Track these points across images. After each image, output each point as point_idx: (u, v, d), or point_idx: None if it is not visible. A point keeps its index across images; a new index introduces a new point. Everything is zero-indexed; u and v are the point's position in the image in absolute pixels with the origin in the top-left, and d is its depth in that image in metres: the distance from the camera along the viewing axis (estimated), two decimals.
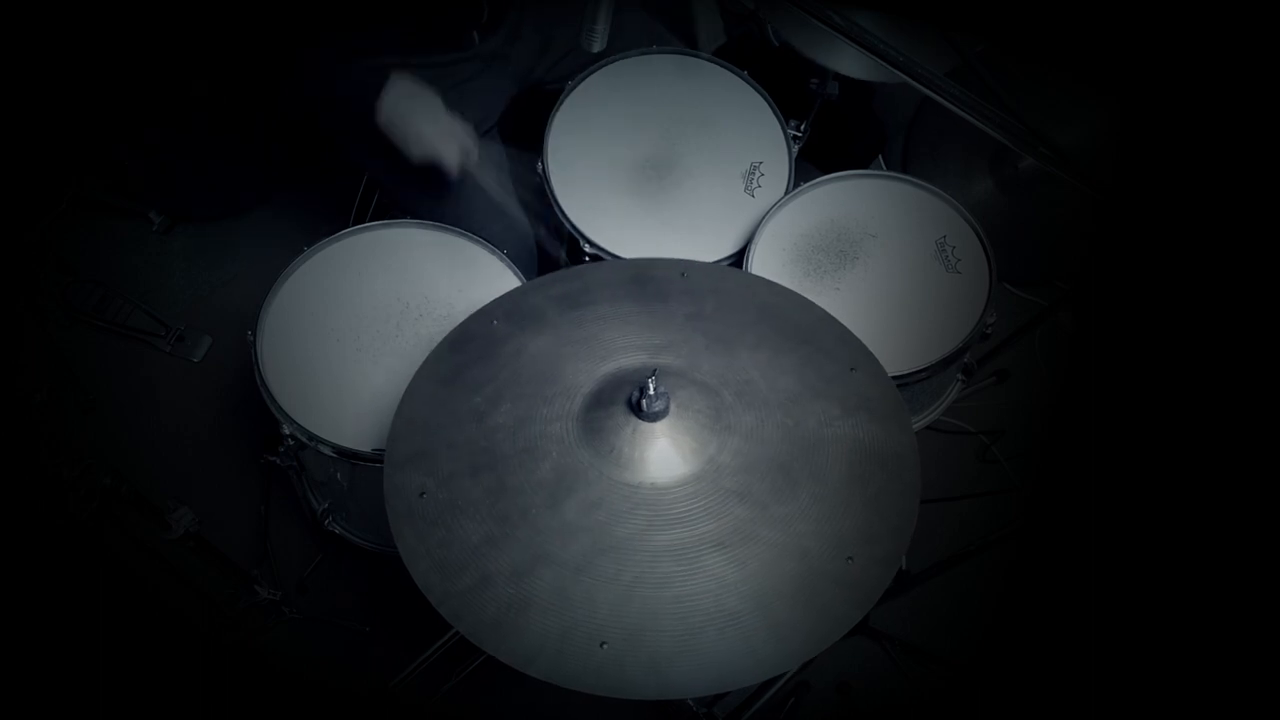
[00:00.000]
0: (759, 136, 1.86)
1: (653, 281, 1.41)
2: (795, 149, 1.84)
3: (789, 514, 1.16)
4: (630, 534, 1.14)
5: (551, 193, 1.77)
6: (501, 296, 1.41)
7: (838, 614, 1.11)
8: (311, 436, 1.56)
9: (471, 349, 1.34)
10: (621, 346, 1.31)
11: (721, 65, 1.91)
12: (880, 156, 2.39)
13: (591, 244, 1.73)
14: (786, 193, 1.78)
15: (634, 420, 1.19)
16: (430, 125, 1.61)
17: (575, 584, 1.11)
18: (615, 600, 1.10)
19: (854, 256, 1.74)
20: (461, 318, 1.63)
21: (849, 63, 1.87)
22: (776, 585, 1.11)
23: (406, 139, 1.62)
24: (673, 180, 1.82)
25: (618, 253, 1.73)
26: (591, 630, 1.08)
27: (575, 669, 1.06)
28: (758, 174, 1.82)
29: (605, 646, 1.07)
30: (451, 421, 1.26)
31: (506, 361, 1.31)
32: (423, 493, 1.18)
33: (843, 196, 1.79)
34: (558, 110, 1.84)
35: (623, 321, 1.34)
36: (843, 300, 1.70)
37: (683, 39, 2.03)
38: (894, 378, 1.57)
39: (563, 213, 1.76)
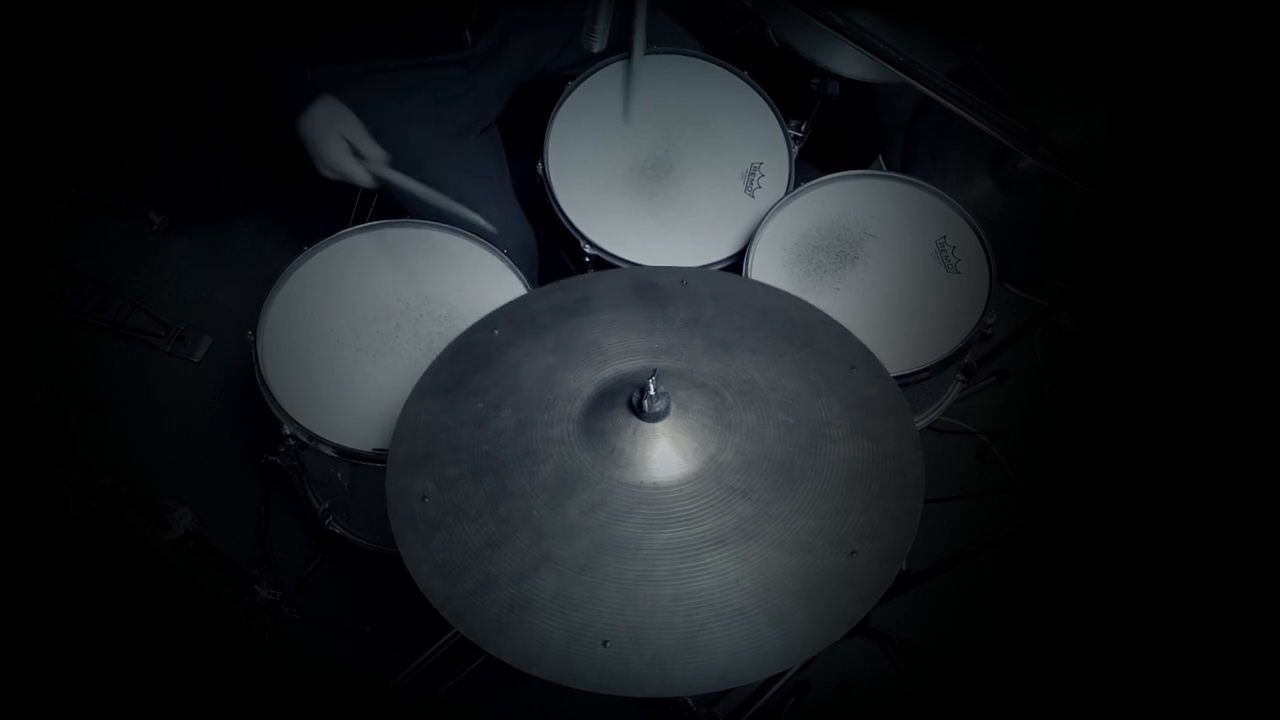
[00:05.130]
0: (759, 136, 1.86)
1: (652, 289, 1.41)
2: (795, 149, 1.84)
3: (791, 510, 1.16)
4: (632, 533, 1.14)
5: (551, 193, 1.77)
6: (503, 306, 1.42)
7: (841, 609, 1.10)
8: (312, 436, 1.56)
9: (472, 357, 1.34)
10: (621, 352, 1.31)
11: (721, 65, 1.91)
12: (880, 156, 2.39)
13: (592, 245, 1.73)
14: (786, 193, 1.78)
15: (635, 421, 1.19)
16: (339, 155, 1.62)
17: (578, 584, 1.11)
18: (618, 599, 1.10)
19: (854, 256, 1.74)
20: (461, 318, 1.65)
21: (849, 63, 1.88)
22: (780, 581, 1.11)
23: (318, 157, 1.64)
24: (672, 180, 1.82)
25: (618, 253, 1.73)
26: (595, 630, 1.08)
27: (579, 668, 1.06)
28: (758, 174, 1.82)
29: (608, 645, 1.07)
30: (453, 426, 1.26)
31: (507, 369, 1.31)
32: (425, 497, 1.19)
33: (843, 196, 1.79)
34: (558, 110, 1.84)
35: (622, 328, 1.34)
36: (843, 300, 1.70)
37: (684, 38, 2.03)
38: (895, 378, 1.58)
39: (563, 213, 1.76)
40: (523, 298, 1.48)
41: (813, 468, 1.20)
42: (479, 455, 1.22)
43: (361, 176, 1.64)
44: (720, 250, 1.75)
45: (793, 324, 1.37)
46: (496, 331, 1.37)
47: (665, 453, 1.18)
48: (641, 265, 1.72)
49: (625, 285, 1.42)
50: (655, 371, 1.17)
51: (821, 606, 1.10)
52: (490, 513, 1.17)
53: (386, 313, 1.68)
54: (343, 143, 1.62)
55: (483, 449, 1.22)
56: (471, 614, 1.10)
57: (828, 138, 2.00)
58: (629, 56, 1.83)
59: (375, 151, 1.64)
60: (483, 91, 1.88)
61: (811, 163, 2.14)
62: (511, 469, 1.20)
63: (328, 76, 1.69)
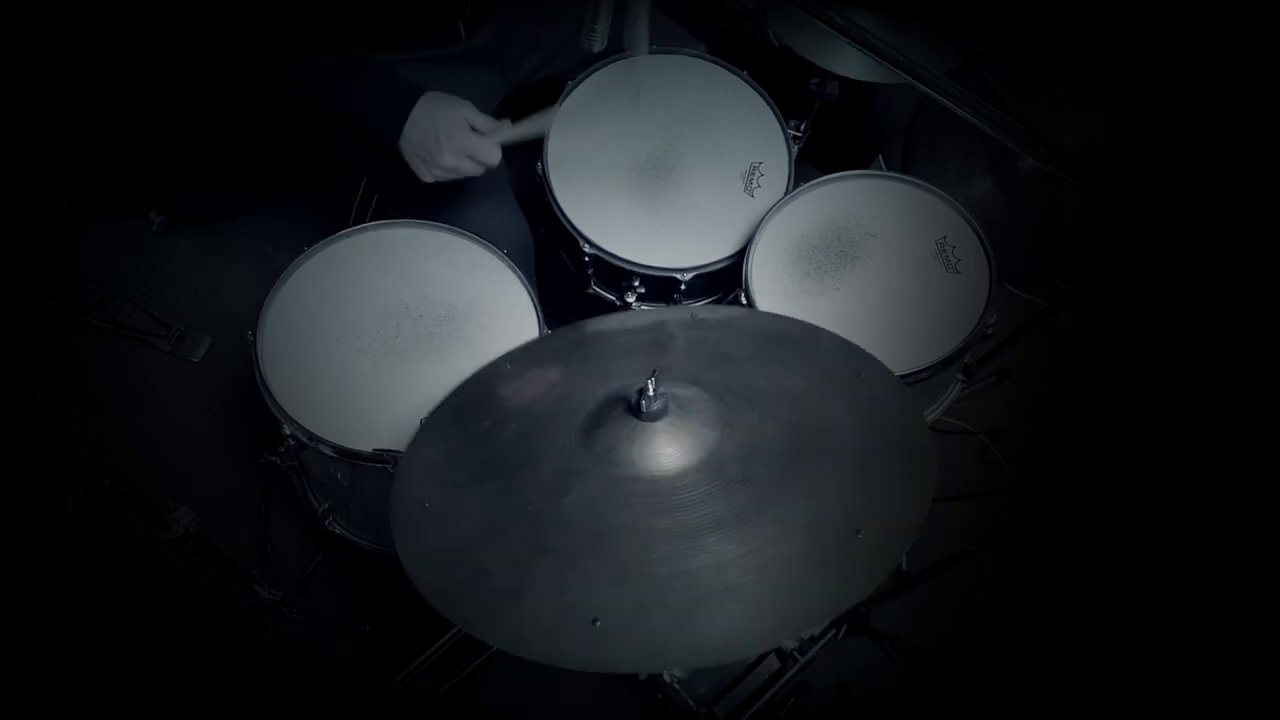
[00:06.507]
0: (759, 136, 1.86)
1: (662, 327, 1.46)
2: (795, 149, 1.84)
3: (794, 491, 1.16)
4: (628, 522, 1.14)
5: (551, 193, 1.77)
6: (515, 349, 1.48)
7: (840, 587, 1.09)
8: (311, 436, 1.56)
9: (482, 388, 1.40)
10: (627, 371, 1.32)
11: (721, 65, 1.91)
12: (880, 156, 2.39)
13: (591, 244, 1.73)
14: (786, 193, 1.78)
15: (634, 421, 1.19)
16: (465, 136, 1.60)
17: (570, 569, 1.11)
18: (610, 579, 1.09)
19: (854, 257, 1.74)
20: (461, 318, 1.66)
21: (848, 64, 1.88)
22: (778, 557, 1.10)
23: (430, 153, 1.60)
24: (672, 180, 1.82)
25: (618, 253, 1.73)
26: (585, 610, 1.07)
27: (569, 647, 1.05)
28: (757, 174, 1.82)
29: (598, 623, 1.05)
30: (460, 445, 1.29)
31: (514, 393, 1.37)
32: (425, 503, 1.20)
33: (843, 196, 1.79)
34: (557, 110, 1.84)
35: (629, 353, 1.39)
36: (843, 300, 1.70)
37: (683, 38, 2.03)
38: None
39: (562, 213, 1.76)
40: (534, 342, 1.55)
41: (816, 458, 1.20)
42: (481, 462, 1.24)
43: (494, 155, 1.61)
44: (720, 250, 1.75)
45: (798, 342, 1.39)
46: (510, 366, 1.42)
47: (665, 451, 1.18)
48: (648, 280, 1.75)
49: (639, 324, 1.47)
50: (655, 372, 1.17)
51: (821, 582, 1.09)
52: (489, 510, 1.18)
53: (386, 313, 1.67)
54: (468, 128, 1.59)
55: (485, 457, 1.25)
56: (462, 601, 1.10)
57: (828, 138, 1.99)
58: (633, 52, 1.82)
59: (493, 122, 1.61)
60: (480, 87, 1.88)
61: (811, 163, 2.14)
62: (511, 471, 1.21)
63: (324, 73, 1.68)
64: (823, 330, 1.40)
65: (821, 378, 1.30)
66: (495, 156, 1.62)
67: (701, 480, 1.17)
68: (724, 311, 1.55)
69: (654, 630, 1.06)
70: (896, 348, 1.60)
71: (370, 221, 1.76)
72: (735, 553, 1.10)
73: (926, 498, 1.16)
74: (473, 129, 1.61)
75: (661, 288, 1.76)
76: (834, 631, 1.88)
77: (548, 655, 1.05)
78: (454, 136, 1.59)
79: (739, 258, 1.73)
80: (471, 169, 1.62)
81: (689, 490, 1.16)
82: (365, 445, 1.55)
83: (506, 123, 1.63)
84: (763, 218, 1.74)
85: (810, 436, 1.22)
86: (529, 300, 1.69)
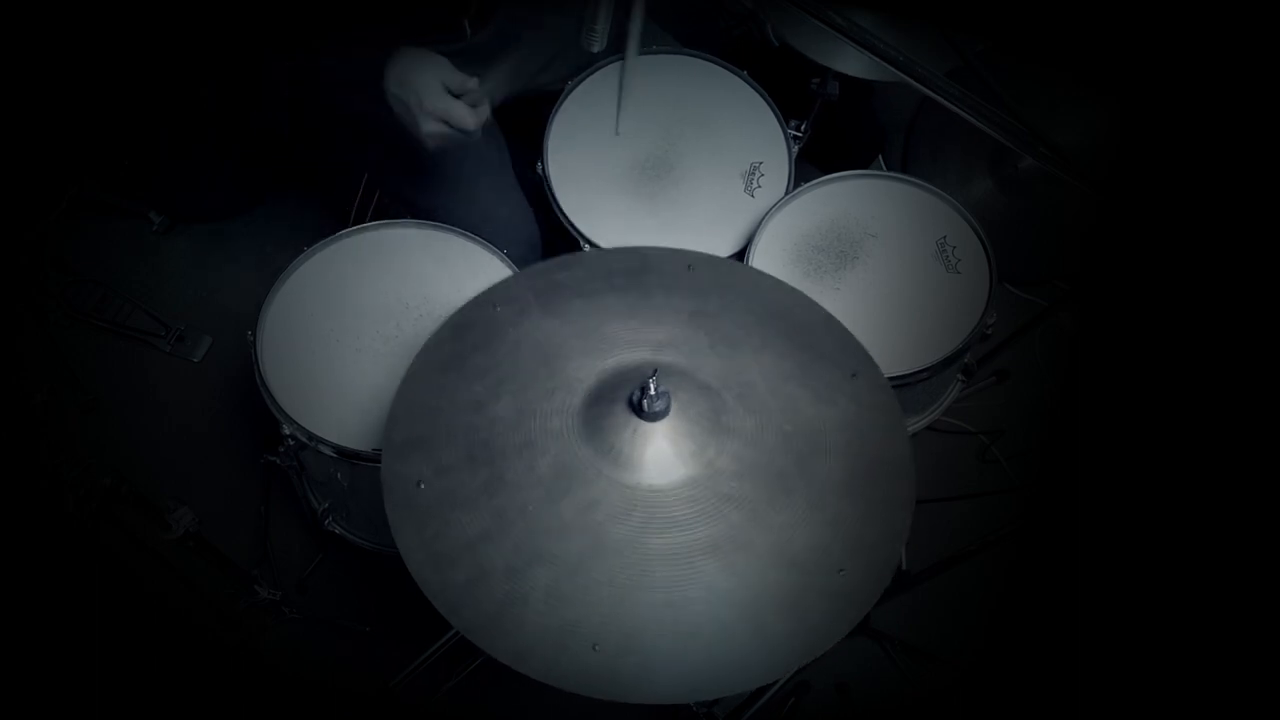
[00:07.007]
0: (759, 136, 1.86)
1: (658, 273, 1.40)
2: (795, 149, 1.84)
3: (783, 523, 1.17)
4: (626, 536, 1.14)
5: (551, 193, 1.77)
6: (503, 281, 1.41)
7: (826, 626, 1.12)
8: (311, 436, 1.56)
9: (472, 335, 1.32)
10: (625, 341, 1.30)
11: (721, 65, 1.91)
12: (880, 156, 2.39)
13: (591, 245, 1.73)
14: (786, 193, 1.78)
15: (634, 420, 1.19)
16: (443, 100, 1.53)
17: (570, 584, 1.11)
18: (609, 603, 1.10)
19: (854, 256, 1.74)
20: None
21: (849, 62, 1.88)
22: (768, 595, 1.12)
23: (415, 120, 1.55)
24: (672, 180, 1.82)
25: None
26: (585, 632, 1.08)
27: (568, 670, 1.07)
28: (757, 174, 1.82)
29: (598, 649, 1.07)
30: (450, 409, 1.25)
31: (508, 351, 1.30)
32: (420, 483, 1.18)
33: (843, 196, 1.79)
34: (558, 110, 1.84)
35: (626, 315, 1.34)
36: (843, 300, 1.70)
37: (680, 39, 2.04)
38: (894, 378, 1.58)
39: (562, 213, 1.76)
40: (524, 273, 1.45)
41: (805, 479, 1.20)
42: (475, 443, 1.21)
43: (469, 119, 1.53)
44: (720, 250, 1.75)
45: (797, 324, 1.37)
46: (497, 309, 1.35)
47: (663, 454, 1.18)
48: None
49: (630, 266, 1.41)
50: (655, 371, 1.17)
51: (808, 622, 1.11)
52: (485, 504, 1.16)
53: (386, 313, 1.68)
54: (443, 89, 1.52)
55: (480, 436, 1.22)
56: (464, 607, 1.10)
57: (828, 138, 2.00)
58: (623, 59, 1.81)
59: (468, 82, 1.52)
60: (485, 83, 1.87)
61: (811, 163, 2.14)
62: (509, 459, 1.19)
63: (324, 72, 1.68)
64: (825, 312, 1.39)
65: (816, 377, 1.30)
66: (469, 122, 1.54)
67: (698, 496, 1.17)
68: (724, 271, 1.48)
69: (649, 660, 1.08)
70: (896, 348, 1.61)
71: (370, 221, 1.76)
72: (726, 585, 1.12)
73: (903, 533, 1.19)
74: (448, 90, 1.52)
75: None
76: None
77: (547, 674, 1.06)
78: (427, 101, 1.52)
79: (739, 258, 1.73)
80: (454, 133, 1.54)
81: (686, 505, 1.16)
82: (365, 445, 1.55)
83: (475, 81, 1.55)
84: (763, 218, 1.74)
85: (802, 454, 1.22)
86: None
